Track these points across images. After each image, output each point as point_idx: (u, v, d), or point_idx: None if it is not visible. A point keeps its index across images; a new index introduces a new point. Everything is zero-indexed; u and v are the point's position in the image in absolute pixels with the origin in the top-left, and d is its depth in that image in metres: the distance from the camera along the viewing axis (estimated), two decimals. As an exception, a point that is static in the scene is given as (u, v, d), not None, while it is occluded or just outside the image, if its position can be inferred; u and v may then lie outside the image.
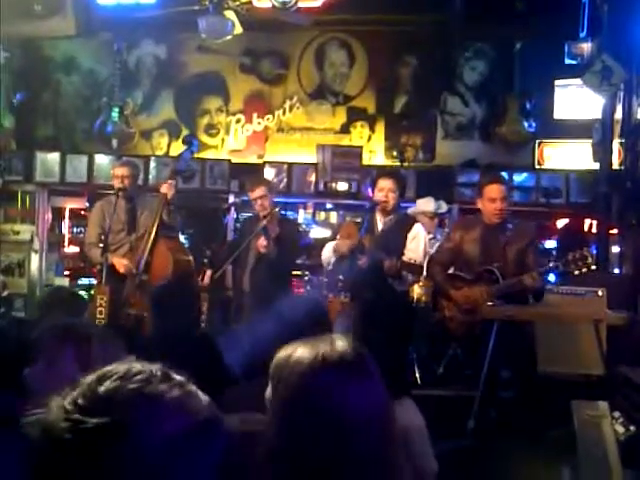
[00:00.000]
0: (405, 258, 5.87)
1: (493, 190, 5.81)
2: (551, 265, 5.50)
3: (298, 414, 1.58)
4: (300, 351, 1.66)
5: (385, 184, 6.11)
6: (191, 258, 6.67)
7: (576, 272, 5.33)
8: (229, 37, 7.51)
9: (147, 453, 1.01)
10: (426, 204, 7.31)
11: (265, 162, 8.66)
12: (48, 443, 1.01)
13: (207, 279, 6.55)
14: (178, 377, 1.11)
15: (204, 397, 1.11)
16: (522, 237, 5.80)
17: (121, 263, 6.40)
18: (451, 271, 5.97)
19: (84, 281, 8.20)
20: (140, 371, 1.08)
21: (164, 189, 6.50)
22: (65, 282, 8.29)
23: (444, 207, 7.46)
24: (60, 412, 1.02)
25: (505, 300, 5.50)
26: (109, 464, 0.99)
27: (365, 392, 1.60)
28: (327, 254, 6.33)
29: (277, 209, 6.73)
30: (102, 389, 1.04)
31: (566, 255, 5.45)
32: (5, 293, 7.91)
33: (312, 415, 1.57)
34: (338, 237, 6.38)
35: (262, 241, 6.33)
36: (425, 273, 6.09)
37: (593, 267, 5.36)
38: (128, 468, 0.99)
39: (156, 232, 6.38)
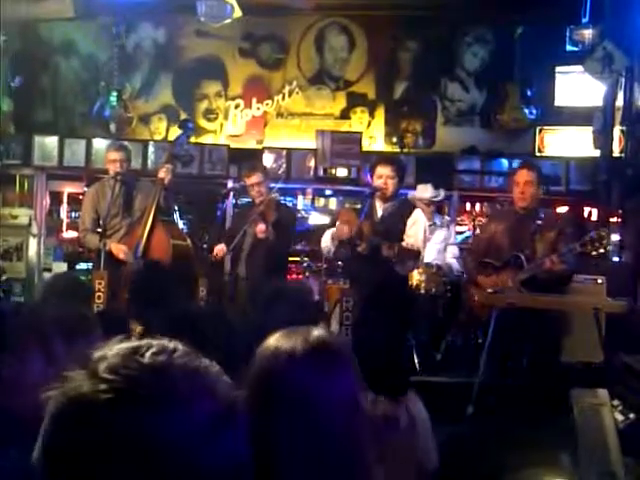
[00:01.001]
0: (404, 244, 5.86)
1: (519, 174, 5.96)
2: (569, 247, 5.47)
3: (262, 399, 1.59)
4: (272, 340, 1.67)
5: (384, 171, 6.10)
6: (189, 242, 6.66)
7: (593, 253, 5.32)
8: (228, 21, 7.47)
9: (189, 428, 0.99)
10: (423, 191, 7.27)
11: (264, 147, 8.63)
12: (83, 416, 0.97)
13: (221, 253, 6.51)
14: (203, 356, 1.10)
15: (226, 377, 1.11)
16: (551, 227, 5.79)
17: (119, 249, 6.37)
18: (484, 260, 5.99)
19: (82, 266, 8.17)
20: (176, 347, 1.06)
21: (161, 174, 6.46)
22: (63, 267, 8.27)
23: (441, 194, 7.39)
24: (96, 382, 0.98)
25: (534, 287, 5.49)
26: (153, 436, 0.96)
27: (329, 383, 1.61)
28: (326, 242, 6.31)
29: (274, 195, 6.71)
30: (147, 360, 1.01)
31: (583, 236, 5.46)
32: (3, 278, 7.88)
33: (274, 401, 1.59)
34: (337, 224, 6.36)
35: (260, 226, 6.31)
36: (461, 264, 6.21)
37: (609, 248, 5.39)
38: (170, 441, 0.97)
39: (153, 217, 6.35)
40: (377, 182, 6.12)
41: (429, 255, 6.65)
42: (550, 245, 5.71)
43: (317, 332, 1.69)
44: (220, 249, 6.51)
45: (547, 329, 5.65)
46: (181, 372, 1.02)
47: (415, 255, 5.87)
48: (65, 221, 8.71)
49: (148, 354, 1.02)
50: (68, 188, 8.74)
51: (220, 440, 1.02)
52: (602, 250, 5.29)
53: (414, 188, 7.37)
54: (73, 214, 8.62)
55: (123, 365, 1.00)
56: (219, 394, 1.05)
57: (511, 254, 5.76)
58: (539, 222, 5.82)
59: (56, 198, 8.73)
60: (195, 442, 0.99)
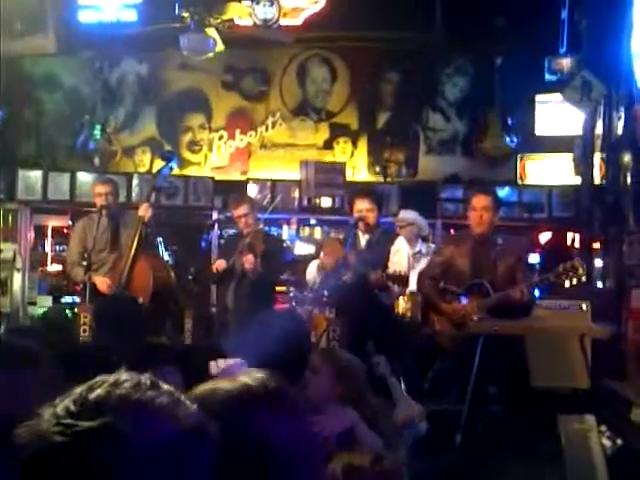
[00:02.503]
0: (390, 271, 5.87)
1: (475, 200, 5.90)
2: (542, 277, 5.50)
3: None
4: (219, 385, 1.55)
5: (361, 205, 6.15)
6: (172, 274, 6.65)
7: (567, 283, 5.33)
8: (211, 55, 7.52)
9: (135, 457, 1.02)
10: (405, 213, 7.29)
11: (248, 179, 8.66)
12: (39, 448, 1.02)
13: (221, 266, 6.48)
14: (166, 386, 1.12)
15: (192, 405, 1.13)
16: (511, 253, 5.82)
17: (104, 282, 6.36)
18: (442, 285, 5.96)
19: (67, 299, 8.13)
20: (128, 379, 1.10)
21: (141, 211, 6.45)
22: (48, 300, 8.22)
23: (409, 216, 7.32)
24: (52, 418, 1.04)
25: (498, 315, 5.50)
26: (98, 467, 1.01)
27: (284, 427, 1.51)
28: (312, 274, 6.32)
29: (261, 226, 6.73)
30: (93, 395, 1.06)
31: (557, 266, 5.48)
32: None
33: (232, 450, 1.45)
34: (322, 254, 6.37)
35: (248, 258, 6.31)
36: (416, 287, 6.10)
37: (583, 278, 5.39)
38: (117, 472, 1.01)
39: (136, 250, 6.35)
40: (357, 215, 6.17)
41: (414, 283, 6.67)
42: (510, 271, 5.73)
43: (261, 376, 1.57)
44: (220, 263, 6.50)
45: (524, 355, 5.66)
46: (122, 403, 1.05)
47: (401, 279, 5.87)
48: (50, 254, 8.68)
49: (98, 390, 1.07)
50: (52, 222, 8.71)
51: (172, 465, 1.05)
52: (575, 281, 5.30)
53: (396, 216, 7.42)
54: (58, 247, 8.60)
55: (73, 401, 1.05)
56: (174, 420, 1.07)
57: (473, 281, 5.75)
58: (498, 248, 5.85)
59: (40, 232, 8.70)
60: (142, 468, 1.02)
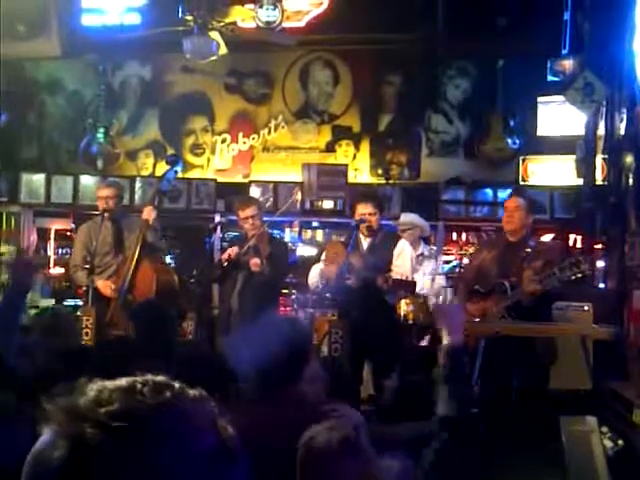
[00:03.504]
0: (395, 275, 5.87)
1: (508, 201, 6.02)
2: (548, 272, 5.47)
3: None
4: None
5: (364, 209, 6.16)
6: (175, 278, 6.64)
7: (572, 277, 5.32)
8: (214, 58, 7.53)
9: (180, 463, 0.97)
10: (406, 217, 7.29)
11: (251, 181, 8.68)
12: (83, 459, 0.94)
13: (234, 253, 6.45)
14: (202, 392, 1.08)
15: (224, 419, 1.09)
16: (541, 256, 5.74)
17: (107, 286, 6.36)
18: (474, 287, 5.98)
19: (70, 302, 8.14)
20: (171, 382, 1.04)
21: (145, 215, 6.43)
22: (51, 303, 8.22)
23: (410, 219, 7.34)
24: (109, 432, 0.95)
25: (519, 315, 5.49)
26: (147, 470, 0.95)
27: None
28: (315, 278, 6.32)
29: (266, 228, 6.73)
30: (151, 400, 0.99)
31: (562, 262, 5.48)
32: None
33: None
34: (324, 258, 6.37)
35: (255, 260, 6.29)
36: (454, 292, 6.23)
37: (587, 272, 5.38)
38: (163, 477, 0.96)
39: (139, 253, 6.35)
40: (359, 218, 6.18)
41: (418, 286, 6.68)
42: (537, 274, 5.72)
43: None
44: (233, 249, 6.47)
45: (535, 357, 5.66)
46: (189, 407, 1.01)
47: (408, 285, 5.88)
48: (52, 257, 8.70)
49: (148, 393, 1.00)
50: (55, 225, 8.73)
51: (225, 476, 1.02)
52: (580, 274, 5.28)
53: (398, 219, 7.41)
54: (60, 250, 8.62)
55: (130, 408, 0.98)
56: (219, 428, 1.04)
57: (497, 281, 5.76)
58: (528, 250, 5.83)
59: (43, 235, 8.72)
60: (194, 473, 0.98)
